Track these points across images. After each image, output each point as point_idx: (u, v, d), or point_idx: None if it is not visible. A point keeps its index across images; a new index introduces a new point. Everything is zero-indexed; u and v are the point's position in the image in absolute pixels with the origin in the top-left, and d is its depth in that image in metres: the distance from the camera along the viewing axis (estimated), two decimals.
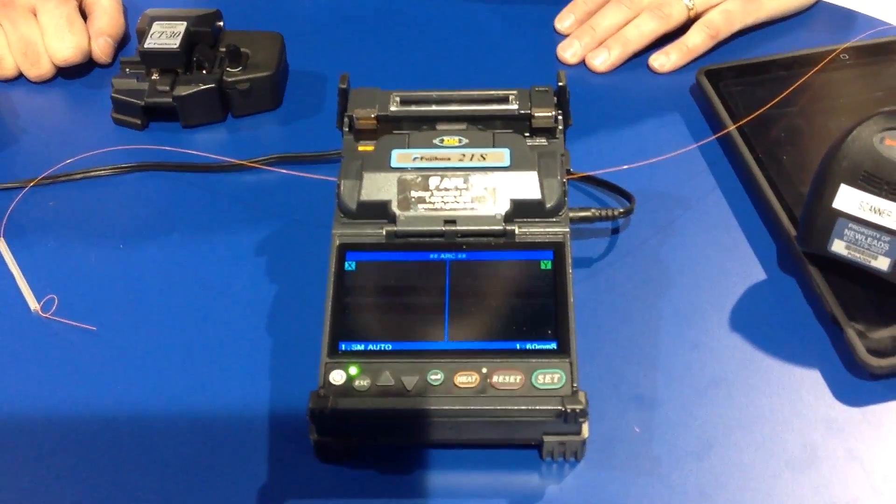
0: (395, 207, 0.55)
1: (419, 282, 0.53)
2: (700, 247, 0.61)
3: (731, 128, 0.65)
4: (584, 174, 0.63)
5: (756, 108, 0.66)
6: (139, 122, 0.69)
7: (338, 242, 0.55)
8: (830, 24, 0.74)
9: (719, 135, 0.66)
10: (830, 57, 0.69)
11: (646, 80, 0.72)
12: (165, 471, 0.52)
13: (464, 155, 0.56)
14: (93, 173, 0.66)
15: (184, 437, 0.53)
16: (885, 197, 0.53)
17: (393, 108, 0.59)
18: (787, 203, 0.61)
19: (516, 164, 0.56)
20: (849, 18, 0.75)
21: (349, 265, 0.54)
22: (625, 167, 0.63)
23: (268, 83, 0.69)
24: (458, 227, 0.54)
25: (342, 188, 0.55)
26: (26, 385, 0.56)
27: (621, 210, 0.60)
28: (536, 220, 0.55)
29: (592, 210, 0.60)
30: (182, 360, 0.57)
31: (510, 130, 0.58)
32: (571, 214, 0.56)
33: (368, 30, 0.77)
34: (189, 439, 0.53)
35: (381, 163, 0.56)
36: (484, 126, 0.58)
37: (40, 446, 0.53)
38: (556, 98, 0.59)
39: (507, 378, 0.50)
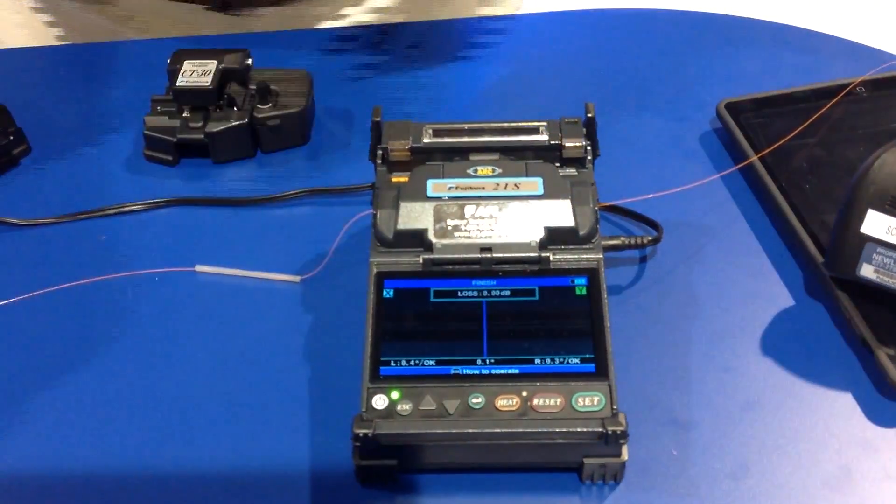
0: (431, 236, 0.56)
1: (457, 308, 0.54)
2: (728, 274, 0.62)
3: (754, 158, 0.66)
4: (611, 203, 0.64)
5: (776, 139, 0.67)
6: (171, 158, 0.70)
7: (375, 271, 0.55)
8: (846, 58, 0.76)
9: (742, 165, 0.67)
10: (847, 90, 0.70)
11: (667, 113, 0.73)
12: (207, 492, 0.53)
13: (498, 184, 0.57)
14: (126, 208, 0.67)
15: (224, 463, 0.54)
16: None
17: (426, 140, 0.60)
18: (812, 230, 0.62)
19: (550, 193, 0.57)
20: (864, 53, 0.76)
21: (387, 293, 0.55)
22: (650, 196, 0.64)
23: (297, 119, 0.70)
24: (494, 255, 0.55)
25: (379, 218, 0.56)
26: (59, 434, 0.56)
27: (650, 238, 0.61)
28: (570, 247, 0.56)
29: (622, 238, 0.61)
30: (221, 389, 0.57)
31: (541, 160, 0.59)
32: (602, 242, 0.57)
33: (391, 66, 0.78)
34: (229, 465, 0.54)
35: (416, 192, 0.57)
36: (515, 156, 0.60)
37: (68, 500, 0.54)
38: (585, 129, 0.60)
39: (548, 401, 0.50)
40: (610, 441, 0.49)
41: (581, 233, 0.56)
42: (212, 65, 0.70)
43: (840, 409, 0.55)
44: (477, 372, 0.52)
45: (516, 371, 0.52)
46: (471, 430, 0.50)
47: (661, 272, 0.62)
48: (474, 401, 0.51)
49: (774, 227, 0.64)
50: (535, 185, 0.57)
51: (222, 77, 0.70)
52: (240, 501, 0.52)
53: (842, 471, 0.52)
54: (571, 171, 0.60)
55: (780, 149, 0.67)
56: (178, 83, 0.69)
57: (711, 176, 0.67)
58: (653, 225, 0.63)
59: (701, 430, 0.54)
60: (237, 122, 0.69)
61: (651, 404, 0.55)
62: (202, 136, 0.69)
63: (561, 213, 0.56)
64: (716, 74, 0.75)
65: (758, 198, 0.66)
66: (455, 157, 0.60)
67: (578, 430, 0.49)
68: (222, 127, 0.69)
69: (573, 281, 0.55)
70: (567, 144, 0.59)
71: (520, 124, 0.61)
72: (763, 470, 0.53)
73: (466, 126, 0.61)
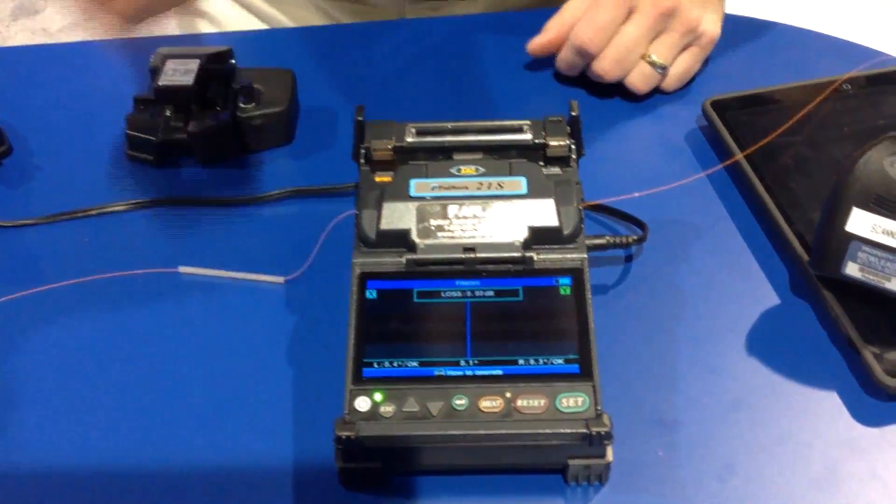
0: (414, 236, 0.55)
1: (440, 309, 0.54)
2: (713, 273, 0.62)
3: (740, 156, 0.66)
4: (596, 202, 0.63)
5: (762, 137, 0.67)
6: (153, 158, 0.69)
7: (358, 271, 0.55)
8: (832, 55, 0.76)
9: (727, 163, 0.67)
10: (833, 87, 0.70)
11: (653, 111, 0.73)
12: (190, 494, 0.52)
13: (481, 184, 0.57)
14: (109, 209, 0.67)
15: (207, 465, 0.53)
16: None
17: (409, 139, 0.60)
18: (797, 229, 0.62)
19: (533, 192, 0.56)
20: (849, 49, 0.76)
21: (370, 294, 0.54)
22: (636, 195, 0.64)
23: (281, 119, 0.70)
24: (478, 255, 0.55)
25: (362, 218, 0.56)
26: (44, 434, 0.56)
27: (635, 237, 0.61)
28: (554, 246, 0.56)
29: (607, 238, 0.60)
30: (204, 390, 0.57)
31: (525, 159, 0.59)
32: (587, 242, 0.57)
33: (376, 65, 0.78)
34: (212, 467, 0.53)
35: (399, 192, 0.57)
36: (499, 156, 0.59)
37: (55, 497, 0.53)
38: (569, 128, 0.60)
39: (531, 402, 0.50)
40: (594, 442, 0.49)
41: (565, 232, 0.55)
42: (194, 64, 0.69)
43: (826, 409, 0.55)
44: (460, 373, 0.51)
45: (500, 372, 0.51)
46: (454, 432, 0.49)
47: (647, 271, 0.62)
48: (458, 402, 0.50)
49: (760, 225, 0.64)
50: (519, 184, 0.57)
51: (204, 76, 0.69)
52: (223, 502, 0.52)
53: (828, 471, 0.52)
54: (556, 170, 0.59)
55: (766, 147, 0.66)
56: (160, 82, 0.68)
57: (697, 174, 0.67)
58: (638, 224, 0.63)
59: (687, 430, 0.54)
60: (220, 122, 0.68)
61: (637, 405, 0.55)
62: (185, 135, 0.68)
63: (545, 212, 0.56)
64: (701, 72, 0.75)
65: (744, 196, 0.66)
66: (439, 157, 0.59)
67: (562, 431, 0.49)
68: (205, 126, 0.68)
69: (557, 281, 0.54)
70: (551, 143, 0.59)
71: (503, 123, 0.60)
72: (749, 470, 0.52)
73: (450, 125, 0.60)
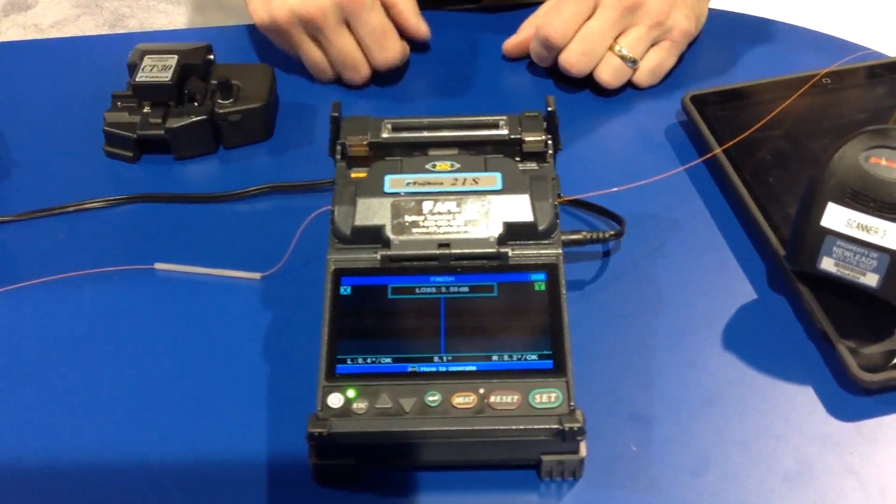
0: (389, 232, 0.55)
1: (414, 305, 0.54)
2: (691, 268, 0.62)
3: (718, 151, 0.66)
4: (574, 198, 0.63)
5: (741, 131, 0.67)
6: (131, 154, 0.69)
7: (333, 268, 0.55)
8: (812, 49, 0.76)
9: (706, 157, 0.67)
10: (812, 81, 0.70)
11: (632, 105, 0.73)
12: (164, 490, 0.52)
13: (456, 179, 0.57)
14: (86, 206, 0.67)
15: (182, 460, 0.53)
16: (872, 214, 0.54)
17: (385, 135, 0.59)
18: (775, 223, 0.62)
19: (508, 188, 0.56)
20: (829, 44, 0.76)
21: (344, 290, 0.54)
22: (614, 189, 0.63)
23: (259, 114, 0.70)
24: (452, 251, 0.55)
25: (336, 214, 0.56)
26: (20, 432, 0.56)
27: (612, 232, 0.61)
28: (529, 242, 0.55)
29: (583, 233, 0.60)
30: (180, 387, 0.57)
31: (500, 155, 0.59)
32: (563, 237, 0.57)
33: None
34: (187, 462, 0.53)
35: (374, 188, 0.56)
36: (475, 151, 0.59)
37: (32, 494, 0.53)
38: (545, 123, 0.60)
39: (504, 398, 0.50)
40: (567, 438, 0.49)
41: (540, 228, 0.55)
42: (172, 59, 0.69)
43: (801, 403, 0.55)
44: (434, 369, 0.51)
45: (474, 368, 0.51)
46: (427, 429, 0.49)
47: (624, 266, 0.62)
48: (431, 398, 0.50)
49: (738, 220, 0.64)
50: (494, 179, 0.57)
51: (182, 72, 0.69)
52: (198, 499, 0.52)
53: (802, 465, 0.52)
54: (532, 165, 0.59)
55: (745, 141, 0.66)
56: (137, 78, 0.68)
57: (676, 169, 0.67)
58: (616, 219, 0.63)
59: (662, 425, 0.54)
60: (197, 118, 0.68)
61: (612, 400, 0.55)
62: (162, 131, 0.68)
63: (519, 208, 0.56)
64: (681, 67, 0.75)
65: (722, 191, 0.66)
66: (414, 153, 0.59)
67: (535, 427, 0.49)
68: (182, 122, 0.68)
69: (532, 277, 0.54)
70: (527, 139, 0.59)
71: (479, 119, 0.60)
72: (723, 465, 0.52)
73: (426, 121, 0.60)
